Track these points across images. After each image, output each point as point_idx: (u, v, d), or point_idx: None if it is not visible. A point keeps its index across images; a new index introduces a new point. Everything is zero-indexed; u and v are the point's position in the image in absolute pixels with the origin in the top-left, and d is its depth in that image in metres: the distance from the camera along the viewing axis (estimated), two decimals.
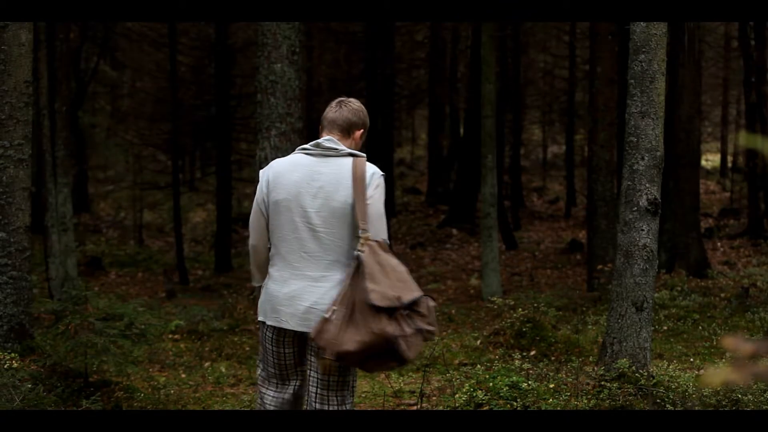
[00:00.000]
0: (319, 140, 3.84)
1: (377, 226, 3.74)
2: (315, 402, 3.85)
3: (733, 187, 26.24)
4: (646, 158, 5.78)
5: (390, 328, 3.57)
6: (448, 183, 26.70)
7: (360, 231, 3.70)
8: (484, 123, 13.39)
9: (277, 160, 3.94)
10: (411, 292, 3.64)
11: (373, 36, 19.72)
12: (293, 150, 4.00)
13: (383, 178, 3.83)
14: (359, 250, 3.67)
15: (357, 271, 3.66)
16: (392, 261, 3.70)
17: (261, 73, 10.78)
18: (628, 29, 6.01)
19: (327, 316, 3.62)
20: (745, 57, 19.80)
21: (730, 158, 31.49)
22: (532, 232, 22.35)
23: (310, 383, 3.86)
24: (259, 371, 4.06)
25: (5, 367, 5.51)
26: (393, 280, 3.63)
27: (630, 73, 5.88)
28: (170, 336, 9.28)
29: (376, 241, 3.72)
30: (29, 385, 5.41)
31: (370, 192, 3.73)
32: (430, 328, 3.66)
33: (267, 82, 10.71)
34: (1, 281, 6.64)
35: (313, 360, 3.81)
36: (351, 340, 3.56)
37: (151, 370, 7.64)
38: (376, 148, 19.59)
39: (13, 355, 5.80)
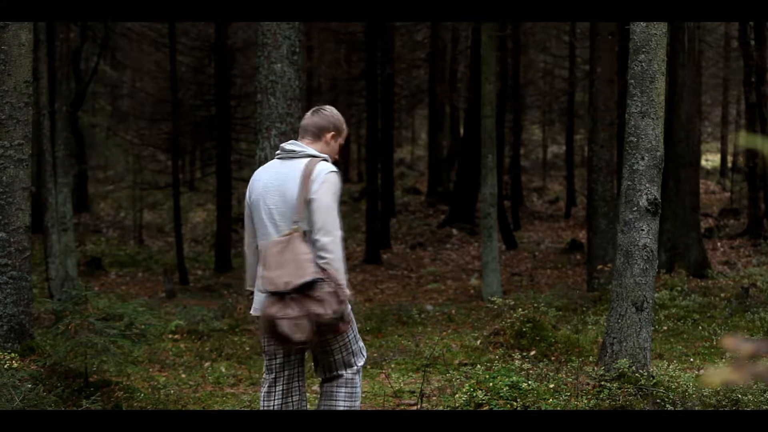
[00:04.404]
0: (284, 144, 4.23)
1: (323, 218, 3.98)
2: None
3: (733, 187, 26.24)
4: (646, 158, 5.78)
5: (273, 309, 3.93)
6: (448, 183, 26.70)
7: (292, 223, 4.02)
8: (484, 123, 13.38)
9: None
10: (299, 277, 3.92)
11: (373, 36, 19.70)
12: None
13: (334, 175, 4.07)
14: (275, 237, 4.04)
15: None
16: (299, 248, 3.96)
17: (261, 73, 10.79)
18: (628, 29, 6.01)
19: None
20: (745, 57, 19.80)
21: (730, 158, 31.48)
22: (532, 232, 22.35)
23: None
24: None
25: (5, 367, 5.51)
26: (289, 267, 3.92)
27: (630, 73, 5.88)
28: (170, 336, 9.28)
29: (296, 231, 3.99)
30: (29, 385, 5.40)
31: (315, 187, 4.00)
32: (320, 311, 3.91)
33: (267, 82, 10.71)
34: (1, 281, 6.64)
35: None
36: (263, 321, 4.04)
37: (151, 370, 7.64)
38: (376, 148, 19.59)
39: (13, 355, 5.80)
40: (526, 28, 22.74)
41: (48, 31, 12.85)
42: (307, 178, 4.01)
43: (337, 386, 4.25)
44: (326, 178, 4.02)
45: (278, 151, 4.23)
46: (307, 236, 4.02)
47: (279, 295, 3.94)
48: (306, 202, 4.00)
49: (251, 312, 4.33)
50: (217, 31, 18.16)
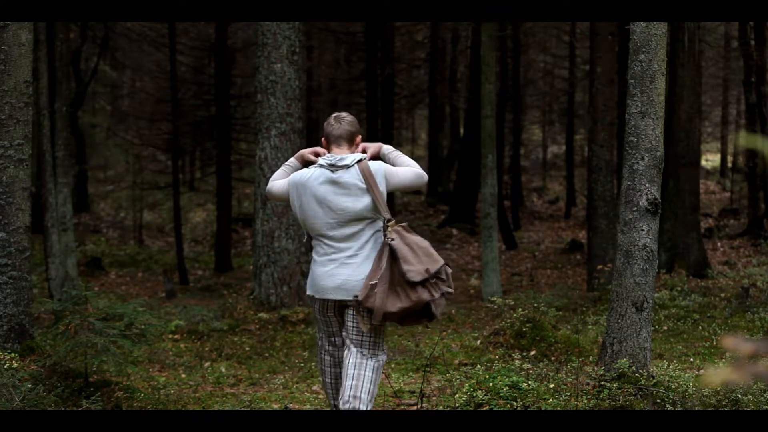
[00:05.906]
0: (331, 159, 4.70)
1: (412, 169, 4.76)
2: (352, 354, 4.70)
3: (733, 187, 26.23)
4: (646, 158, 5.78)
5: (425, 295, 4.56)
6: (448, 183, 26.70)
7: (385, 220, 4.62)
8: (484, 123, 13.38)
9: (301, 172, 4.79)
10: (435, 263, 4.64)
11: (373, 36, 19.70)
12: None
13: (382, 164, 4.78)
14: (390, 239, 4.58)
15: (392, 256, 4.57)
16: (416, 239, 4.68)
17: (261, 73, 10.79)
18: (628, 29, 6.00)
19: (371, 284, 4.53)
20: (745, 57, 19.80)
21: (730, 158, 31.45)
22: (532, 232, 22.35)
23: (348, 340, 4.74)
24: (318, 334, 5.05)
25: (5, 367, 5.51)
26: (421, 256, 4.61)
27: (630, 73, 5.88)
28: (170, 336, 9.28)
29: (402, 226, 4.66)
30: (29, 385, 5.41)
31: (379, 179, 4.65)
32: (450, 290, 4.67)
33: (267, 82, 10.71)
34: (1, 281, 6.64)
35: (348, 321, 4.71)
36: (394, 306, 4.53)
37: (151, 370, 7.64)
38: None
39: (13, 355, 5.80)
40: (526, 28, 22.74)
41: (48, 31, 12.85)
42: (371, 179, 4.63)
43: (367, 364, 4.70)
44: (384, 168, 4.72)
45: (325, 162, 4.69)
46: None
47: (423, 282, 4.54)
48: (383, 195, 4.65)
49: (316, 296, 4.74)
50: (217, 31, 18.15)
